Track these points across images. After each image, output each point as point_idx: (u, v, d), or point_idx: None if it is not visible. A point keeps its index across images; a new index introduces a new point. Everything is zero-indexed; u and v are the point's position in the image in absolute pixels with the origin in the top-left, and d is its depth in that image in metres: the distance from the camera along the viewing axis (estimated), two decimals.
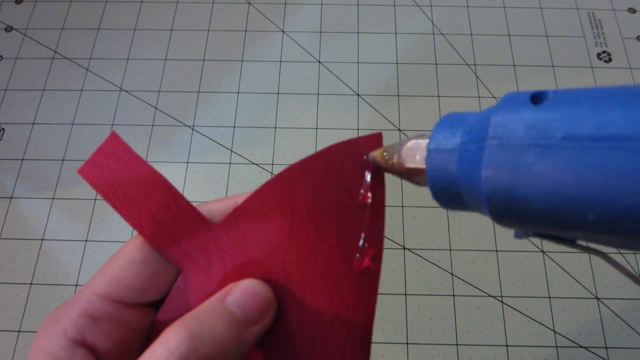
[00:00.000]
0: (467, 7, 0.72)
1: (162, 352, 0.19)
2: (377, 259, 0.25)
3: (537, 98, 0.19)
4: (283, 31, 0.71)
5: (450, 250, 0.57)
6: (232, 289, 0.23)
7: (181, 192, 0.25)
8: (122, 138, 0.26)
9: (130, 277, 0.23)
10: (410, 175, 0.23)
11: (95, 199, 0.60)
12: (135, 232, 0.24)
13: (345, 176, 0.25)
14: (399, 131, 0.63)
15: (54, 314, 0.22)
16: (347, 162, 0.25)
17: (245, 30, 0.71)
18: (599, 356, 0.53)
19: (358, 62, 0.68)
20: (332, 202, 0.25)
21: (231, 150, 0.63)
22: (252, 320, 0.22)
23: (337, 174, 0.25)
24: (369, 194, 0.25)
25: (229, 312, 0.22)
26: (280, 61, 0.69)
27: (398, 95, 0.66)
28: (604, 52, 0.69)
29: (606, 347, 0.53)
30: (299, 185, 0.25)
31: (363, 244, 0.25)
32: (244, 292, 0.23)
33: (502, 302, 0.55)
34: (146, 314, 0.24)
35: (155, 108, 0.65)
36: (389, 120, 0.64)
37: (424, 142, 0.22)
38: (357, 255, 0.25)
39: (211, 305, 0.22)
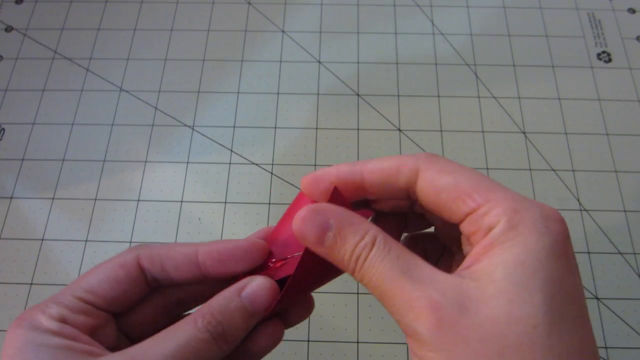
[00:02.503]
0: (467, 7, 0.72)
1: (190, 328, 0.26)
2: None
3: None
4: (283, 31, 0.70)
5: None
6: (247, 283, 0.28)
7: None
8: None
9: (101, 290, 0.28)
10: None
11: (95, 199, 0.60)
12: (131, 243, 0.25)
13: None
14: (399, 131, 0.63)
15: (27, 310, 0.27)
16: None
17: (245, 30, 0.70)
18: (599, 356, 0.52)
19: (358, 62, 0.68)
20: None
21: (231, 150, 0.62)
22: (259, 313, 0.28)
23: None
24: None
25: (242, 305, 0.28)
26: (280, 61, 0.68)
27: (398, 95, 0.65)
28: (603, 52, 0.68)
29: (606, 347, 0.53)
30: None
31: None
32: (255, 290, 0.28)
33: None
34: (107, 317, 0.29)
35: (155, 108, 0.65)
36: (388, 120, 0.64)
37: None
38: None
39: (230, 297, 0.28)
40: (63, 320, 0.26)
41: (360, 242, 0.25)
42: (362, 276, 0.25)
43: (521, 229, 0.23)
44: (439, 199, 0.26)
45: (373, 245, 0.25)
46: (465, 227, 0.26)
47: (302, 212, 0.26)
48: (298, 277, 0.28)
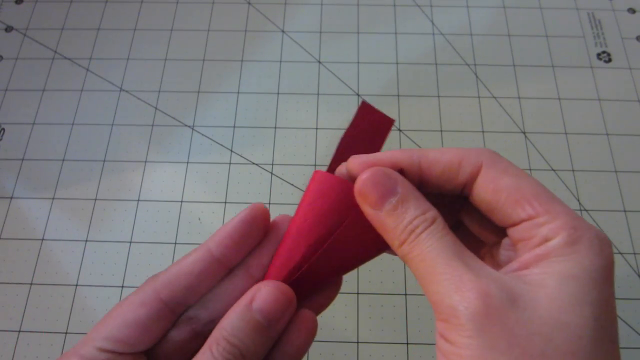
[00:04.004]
0: (467, 7, 0.71)
1: (207, 359, 0.25)
2: None
3: None
4: (283, 31, 0.70)
5: None
6: (256, 293, 0.27)
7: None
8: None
9: (123, 335, 0.27)
10: None
11: (95, 199, 0.59)
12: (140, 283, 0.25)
13: None
14: (399, 131, 0.62)
15: None
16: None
17: (245, 30, 0.70)
18: None
19: (358, 62, 0.67)
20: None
21: (231, 150, 0.61)
22: (274, 323, 0.27)
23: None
24: None
25: (255, 320, 0.26)
26: (280, 61, 0.67)
27: (398, 95, 0.65)
28: (603, 52, 0.68)
29: None
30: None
31: None
32: (265, 300, 0.27)
33: None
34: (134, 358, 0.28)
35: (155, 108, 0.64)
36: None
37: None
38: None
39: (241, 313, 0.27)
40: None
41: (420, 216, 0.25)
42: (412, 248, 0.25)
43: (579, 246, 0.24)
44: (496, 198, 0.26)
45: (432, 223, 0.25)
46: (515, 233, 0.26)
47: (370, 171, 0.27)
48: (336, 245, 0.28)
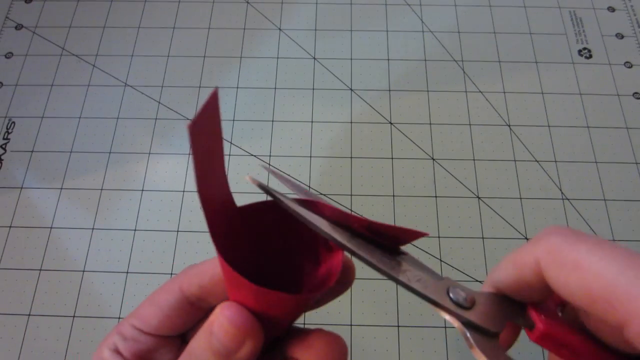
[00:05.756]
0: (455, 6, 0.71)
1: None
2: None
3: None
4: (280, 29, 0.70)
5: (439, 237, 0.57)
6: (213, 321, 0.24)
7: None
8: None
9: (146, 316, 0.28)
10: None
11: (102, 189, 0.59)
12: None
13: None
14: (390, 124, 0.63)
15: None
16: None
17: (244, 28, 0.70)
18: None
19: (351, 59, 0.67)
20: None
21: (230, 142, 0.62)
22: (233, 351, 0.23)
23: None
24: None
25: (214, 347, 0.23)
26: (277, 58, 0.68)
27: (389, 90, 0.65)
28: (584, 48, 0.68)
29: None
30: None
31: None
32: (219, 328, 0.24)
33: None
34: (161, 340, 0.28)
35: (159, 102, 0.65)
36: (380, 114, 0.63)
37: None
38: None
39: (202, 341, 0.24)
40: (116, 350, 0.27)
41: None
42: None
43: None
44: (594, 307, 0.19)
45: None
46: (635, 333, 0.18)
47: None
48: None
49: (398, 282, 0.25)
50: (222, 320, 0.24)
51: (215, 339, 0.23)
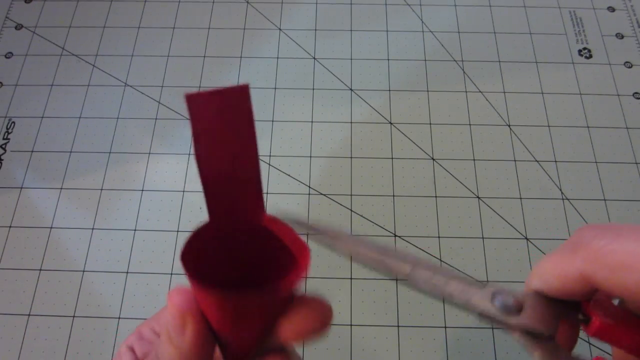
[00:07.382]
0: (455, 6, 0.71)
1: None
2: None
3: None
4: (280, 29, 0.69)
5: (439, 237, 0.56)
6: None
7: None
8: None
9: (159, 317, 0.30)
10: None
11: (102, 189, 0.59)
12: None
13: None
14: (390, 124, 0.62)
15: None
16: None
17: (244, 28, 0.69)
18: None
19: (351, 59, 0.67)
20: None
21: None
22: (180, 332, 0.23)
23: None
24: None
25: (167, 333, 0.23)
26: (277, 58, 0.67)
27: (389, 90, 0.64)
28: (584, 48, 0.67)
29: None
30: None
31: None
32: (168, 313, 0.23)
33: None
34: None
35: (159, 102, 0.64)
36: (380, 114, 0.63)
37: None
38: None
39: (162, 336, 0.24)
40: (131, 348, 0.29)
41: None
42: None
43: None
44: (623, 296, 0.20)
45: None
46: None
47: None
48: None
49: (444, 301, 0.24)
50: (168, 305, 0.23)
51: (165, 325, 0.23)
